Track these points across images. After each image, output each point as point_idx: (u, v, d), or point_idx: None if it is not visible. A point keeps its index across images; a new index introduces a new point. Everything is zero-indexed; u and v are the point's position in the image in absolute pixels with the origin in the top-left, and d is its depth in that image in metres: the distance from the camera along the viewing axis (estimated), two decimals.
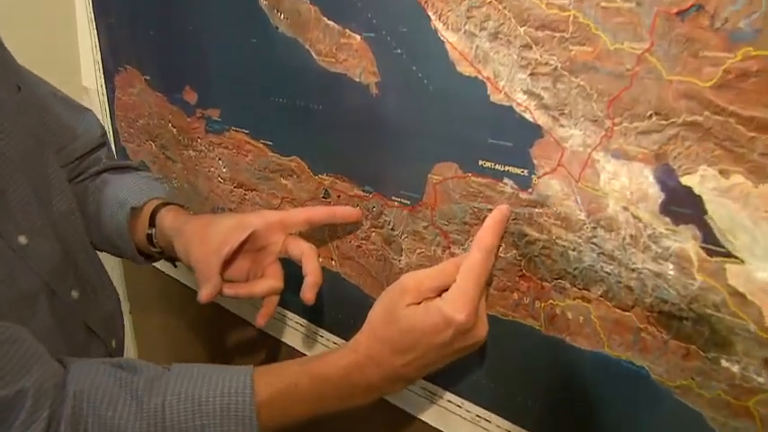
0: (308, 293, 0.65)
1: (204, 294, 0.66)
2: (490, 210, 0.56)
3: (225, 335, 1.06)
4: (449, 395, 0.67)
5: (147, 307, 1.29)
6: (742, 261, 0.41)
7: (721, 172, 0.41)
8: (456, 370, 0.63)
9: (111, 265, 1.33)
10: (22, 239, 0.59)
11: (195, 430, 0.52)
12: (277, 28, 0.70)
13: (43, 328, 0.60)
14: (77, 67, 1.10)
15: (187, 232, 0.70)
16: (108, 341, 0.75)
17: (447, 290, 0.53)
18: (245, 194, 0.85)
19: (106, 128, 1.12)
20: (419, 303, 0.54)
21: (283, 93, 0.73)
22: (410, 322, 0.53)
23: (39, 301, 0.60)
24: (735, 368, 0.44)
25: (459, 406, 0.66)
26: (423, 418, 0.71)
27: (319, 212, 0.70)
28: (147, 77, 0.95)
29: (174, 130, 0.93)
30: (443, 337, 0.52)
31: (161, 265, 1.12)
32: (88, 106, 1.14)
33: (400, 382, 0.57)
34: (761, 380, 0.43)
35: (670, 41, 0.42)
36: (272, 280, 0.70)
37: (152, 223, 0.76)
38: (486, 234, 0.54)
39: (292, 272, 0.69)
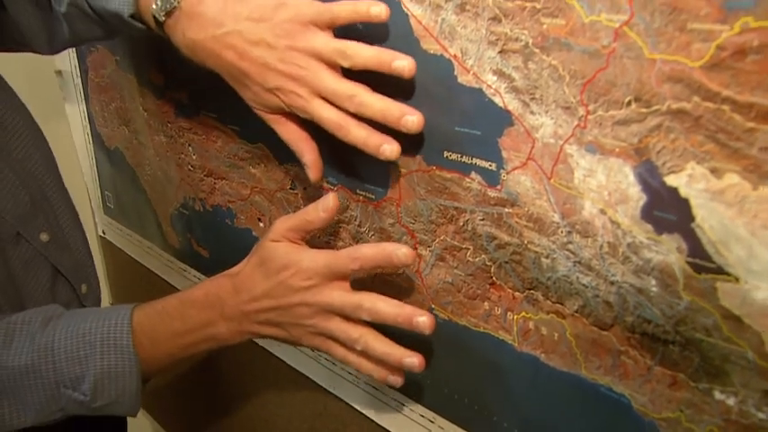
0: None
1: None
2: (456, 208, 0.49)
3: None
4: (421, 409, 0.61)
5: (130, 302, 1.25)
6: (736, 279, 0.34)
7: (713, 170, 0.34)
8: (430, 382, 0.58)
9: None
10: None
11: (80, 361, 0.54)
12: None
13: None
14: None
15: None
16: (77, 285, 0.72)
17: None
18: (215, 183, 0.79)
19: (81, 112, 1.06)
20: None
21: None
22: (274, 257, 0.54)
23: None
24: (730, 401, 0.37)
25: (431, 421, 0.60)
26: (392, 431, 0.65)
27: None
28: (117, 58, 0.89)
29: (146, 114, 0.87)
30: (286, 275, 0.53)
31: (143, 259, 1.08)
32: (62, 90, 1.09)
33: (248, 322, 0.55)
34: (761, 415, 0.37)
35: (653, 12, 0.34)
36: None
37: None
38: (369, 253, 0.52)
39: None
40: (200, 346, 0.57)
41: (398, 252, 0.50)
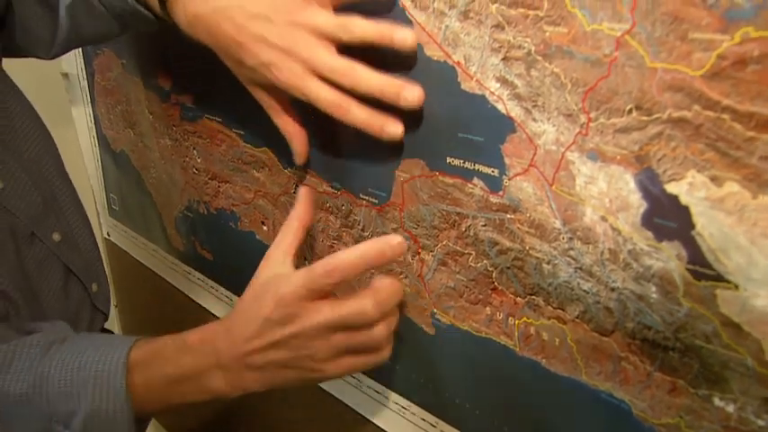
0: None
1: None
2: (458, 213, 0.49)
3: None
4: (423, 413, 0.61)
5: (134, 304, 1.25)
6: (736, 286, 0.34)
7: (713, 179, 0.34)
8: (432, 386, 0.59)
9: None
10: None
11: (72, 397, 0.50)
12: None
13: (15, 270, 0.61)
14: None
15: None
16: (88, 284, 0.73)
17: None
18: (219, 186, 0.79)
19: (87, 114, 1.07)
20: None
21: None
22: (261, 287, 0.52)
23: (15, 243, 0.61)
24: (730, 408, 0.38)
25: (433, 425, 0.60)
26: None
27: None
28: (124, 61, 0.90)
29: (151, 117, 0.88)
30: (268, 308, 0.49)
31: (147, 261, 1.09)
32: (69, 92, 1.10)
33: (248, 370, 0.50)
34: (761, 423, 0.37)
35: (654, 21, 0.35)
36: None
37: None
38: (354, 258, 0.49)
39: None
40: (198, 396, 0.52)
41: (392, 242, 0.48)
